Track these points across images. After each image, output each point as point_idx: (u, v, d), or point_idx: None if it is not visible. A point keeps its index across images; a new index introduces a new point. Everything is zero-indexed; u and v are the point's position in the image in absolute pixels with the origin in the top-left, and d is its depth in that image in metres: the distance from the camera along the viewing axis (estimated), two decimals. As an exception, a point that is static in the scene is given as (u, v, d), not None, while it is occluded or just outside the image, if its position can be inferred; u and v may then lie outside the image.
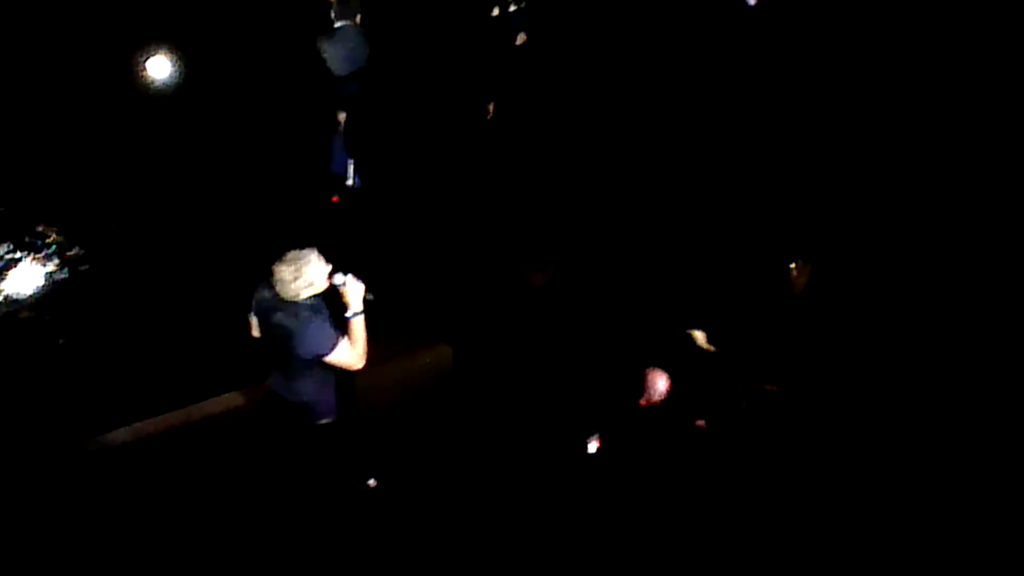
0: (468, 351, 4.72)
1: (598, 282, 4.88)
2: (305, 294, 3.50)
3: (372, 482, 4.18)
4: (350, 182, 5.30)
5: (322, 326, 3.51)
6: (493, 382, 4.59)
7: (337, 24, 5.29)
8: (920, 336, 4.28)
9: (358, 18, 5.32)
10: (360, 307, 3.60)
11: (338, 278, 3.59)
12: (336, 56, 5.29)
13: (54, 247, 4.60)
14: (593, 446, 4.01)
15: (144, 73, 5.61)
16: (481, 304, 4.86)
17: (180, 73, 5.57)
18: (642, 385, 3.98)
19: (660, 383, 3.97)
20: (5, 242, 4.59)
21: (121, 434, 4.14)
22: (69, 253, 4.58)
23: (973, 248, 4.59)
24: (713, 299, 4.58)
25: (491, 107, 5.21)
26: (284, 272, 3.46)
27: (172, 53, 5.61)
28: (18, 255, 4.49)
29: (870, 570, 3.57)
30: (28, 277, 4.48)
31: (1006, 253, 4.53)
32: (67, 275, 4.59)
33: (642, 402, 3.99)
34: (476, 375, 4.64)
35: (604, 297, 4.82)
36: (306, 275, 3.48)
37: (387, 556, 3.86)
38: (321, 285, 3.54)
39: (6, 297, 4.39)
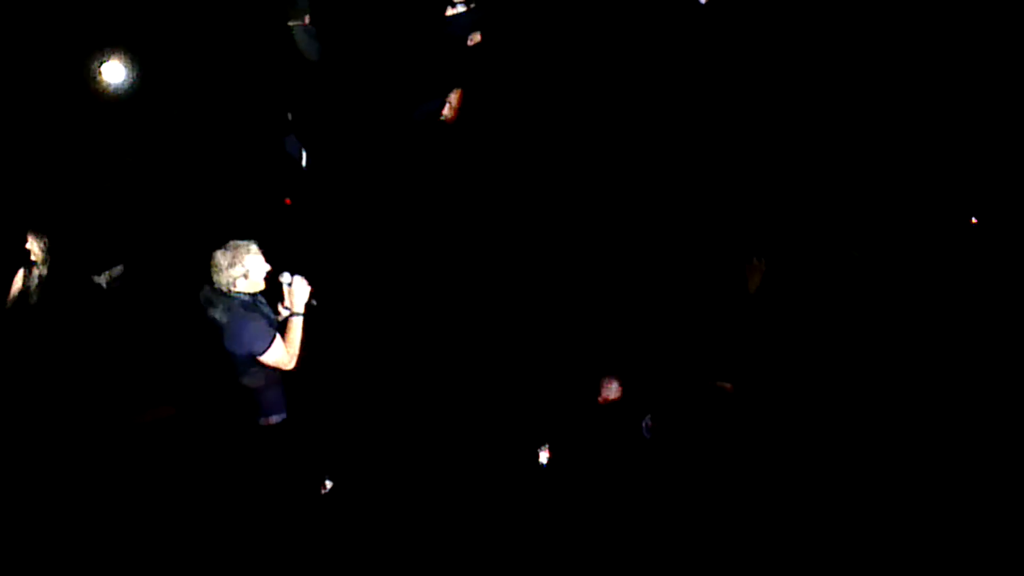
0: (422, 359, 4.66)
1: (553, 284, 4.86)
2: (240, 285, 3.46)
3: (327, 484, 4.12)
4: (304, 163, 5.27)
5: (255, 324, 3.45)
6: (448, 389, 4.54)
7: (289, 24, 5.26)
8: (875, 334, 4.29)
9: (307, 19, 5.30)
10: (301, 309, 3.56)
11: (285, 276, 3.57)
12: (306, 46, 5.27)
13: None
14: (544, 456, 4.01)
15: (98, 73, 5.45)
16: (435, 312, 4.82)
17: (136, 70, 5.42)
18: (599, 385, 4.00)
19: (613, 383, 3.99)
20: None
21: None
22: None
23: (928, 249, 4.61)
24: (668, 297, 4.58)
25: (449, 105, 5.15)
26: (220, 258, 3.44)
27: (126, 48, 5.46)
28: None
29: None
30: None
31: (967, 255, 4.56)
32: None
33: (599, 400, 4.00)
34: (431, 383, 4.58)
35: (559, 299, 4.80)
36: (242, 264, 3.44)
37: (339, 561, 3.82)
38: (257, 279, 3.51)
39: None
